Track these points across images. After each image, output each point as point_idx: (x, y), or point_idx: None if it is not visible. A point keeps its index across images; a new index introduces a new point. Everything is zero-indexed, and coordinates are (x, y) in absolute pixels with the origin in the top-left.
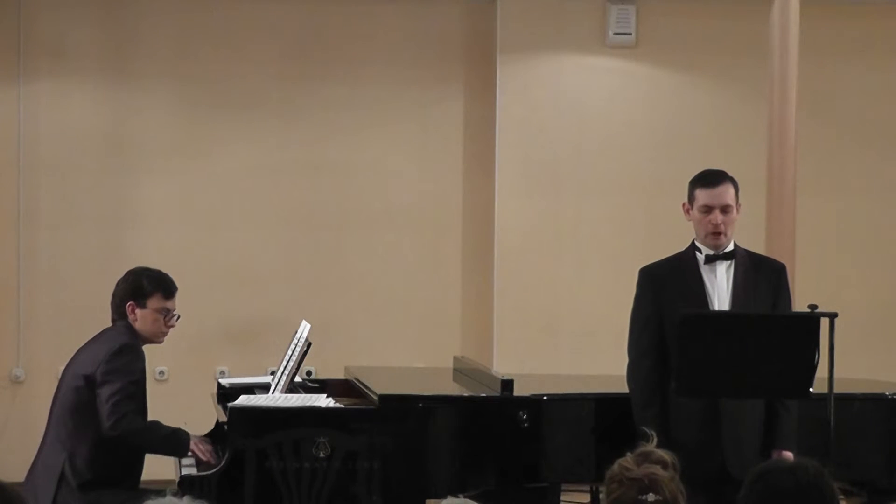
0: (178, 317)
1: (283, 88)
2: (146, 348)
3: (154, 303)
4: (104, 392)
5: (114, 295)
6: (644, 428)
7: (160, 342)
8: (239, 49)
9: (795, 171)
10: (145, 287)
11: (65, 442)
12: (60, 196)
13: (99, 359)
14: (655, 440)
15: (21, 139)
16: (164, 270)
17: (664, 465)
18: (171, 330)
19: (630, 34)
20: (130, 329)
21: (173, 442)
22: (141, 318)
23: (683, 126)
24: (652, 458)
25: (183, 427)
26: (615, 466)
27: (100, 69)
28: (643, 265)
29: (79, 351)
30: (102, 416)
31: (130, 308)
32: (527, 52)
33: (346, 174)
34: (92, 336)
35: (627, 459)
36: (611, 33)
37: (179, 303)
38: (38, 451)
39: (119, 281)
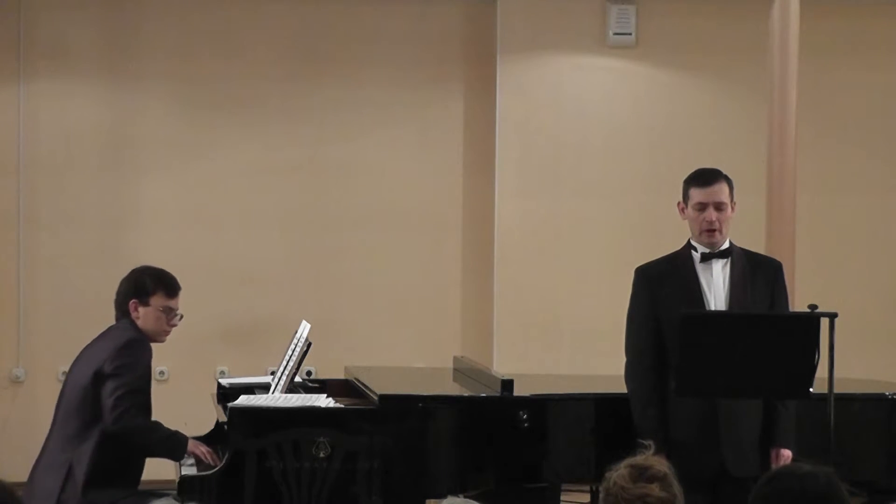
0: (181, 316)
1: (283, 89)
2: None
3: (157, 301)
4: (108, 386)
5: (117, 293)
6: (642, 435)
7: (162, 341)
8: (239, 50)
9: (795, 171)
10: (148, 285)
11: (70, 441)
12: (60, 196)
13: (106, 355)
14: (653, 448)
15: (21, 139)
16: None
17: (661, 479)
18: (172, 329)
19: (630, 34)
20: (134, 326)
21: (171, 444)
22: (143, 316)
23: (683, 126)
24: (647, 476)
25: (183, 428)
26: (611, 480)
27: (100, 69)
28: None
29: (84, 349)
30: (105, 409)
31: (133, 306)
32: (527, 52)
33: (346, 174)
34: (94, 336)
35: (623, 474)
36: (611, 33)
37: (180, 302)
38: (41, 450)
39: (122, 279)
